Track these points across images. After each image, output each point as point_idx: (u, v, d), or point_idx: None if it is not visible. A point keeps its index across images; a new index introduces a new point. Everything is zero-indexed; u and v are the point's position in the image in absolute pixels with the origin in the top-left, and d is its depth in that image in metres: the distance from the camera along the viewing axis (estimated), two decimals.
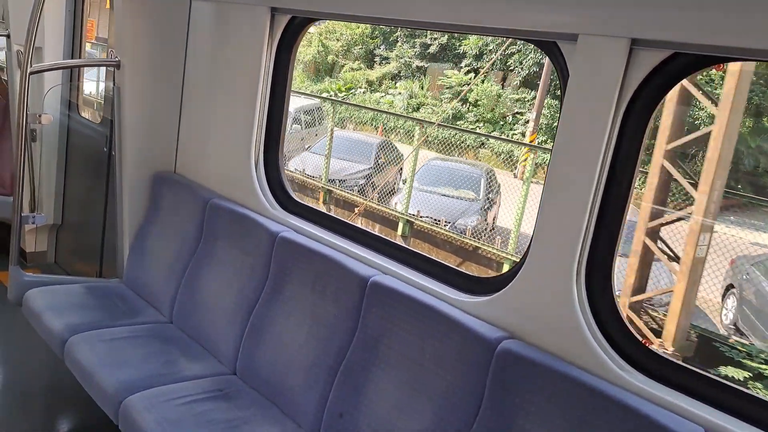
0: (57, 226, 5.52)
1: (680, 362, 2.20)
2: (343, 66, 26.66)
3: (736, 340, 8.50)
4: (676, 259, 7.88)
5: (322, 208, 10.46)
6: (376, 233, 3.31)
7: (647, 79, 2.19)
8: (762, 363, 7.89)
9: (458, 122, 20.85)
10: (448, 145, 15.18)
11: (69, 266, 5.46)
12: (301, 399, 2.97)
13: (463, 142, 17.02)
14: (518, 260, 2.63)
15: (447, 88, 22.91)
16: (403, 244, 3.24)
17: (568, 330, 2.34)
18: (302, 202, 3.66)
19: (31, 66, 3.79)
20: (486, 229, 12.27)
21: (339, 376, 2.88)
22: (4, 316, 4.67)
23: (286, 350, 3.13)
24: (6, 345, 4.47)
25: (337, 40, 27.04)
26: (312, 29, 27.86)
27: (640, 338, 2.29)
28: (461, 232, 11.80)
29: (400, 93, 23.86)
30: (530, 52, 20.64)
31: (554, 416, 2.23)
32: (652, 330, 7.98)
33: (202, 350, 3.50)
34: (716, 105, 7.48)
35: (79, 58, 5.23)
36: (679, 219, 8.03)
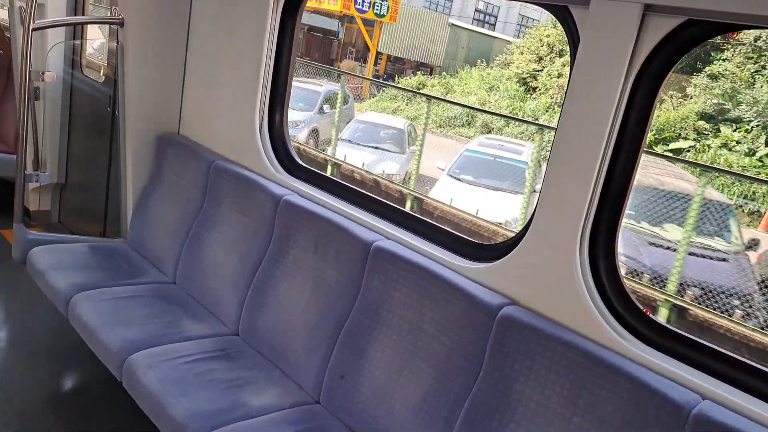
0: (61, 185, 5.52)
1: (680, 331, 2.21)
2: None
3: None
4: None
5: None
6: (380, 198, 3.30)
7: (659, 46, 2.16)
8: None
9: None
10: None
11: (73, 225, 5.48)
12: (303, 360, 3.01)
13: None
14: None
15: None
16: (407, 210, 3.23)
17: (569, 297, 2.35)
18: (306, 166, 3.65)
19: (33, 22, 3.74)
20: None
21: (341, 339, 2.90)
22: (9, 274, 4.70)
23: (289, 312, 3.16)
24: (11, 302, 4.52)
25: None
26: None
27: (641, 307, 2.30)
28: None
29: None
30: None
31: (553, 382, 2.26)
32: None
33: (205, 311, 3.53)
34: None
35: (83, 15, 5.16)
36: None
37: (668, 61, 2.20)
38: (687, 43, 2.15)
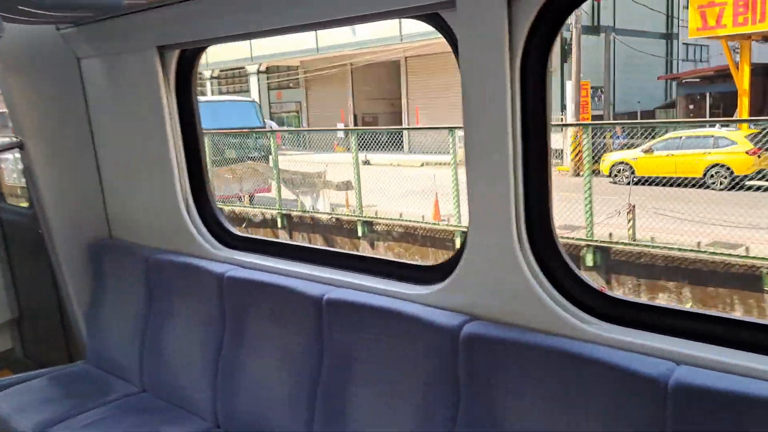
0: (17, 319, 5.32)
1: (640, 300, 2.13)
2: None
3: None
4: None
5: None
6: (325, 248, 3.20)
7: (534, 24, 2.11)
8: None
9: None
10: None
11: (39, 356, 5.26)
12: None
13: None
14: None
15: None
16: (354, 252, 3.14)
17: (522, 296, 2.26)
18: (243, 235, 3.54)
19: None
20: None
21: (318, 402, 2.78)
22: None
23: (262, 389, 3.02)
24: None
25: None
26: None
27: (596, 287, 2.22)
28: None
29: None
30: None
31: (531, 387, 2.16)
32: None
33: (182, 411, 3.36)
34: None
35: None
36: None
37: (548, 36, 2.16)
38: (558, 17, 2.11)
